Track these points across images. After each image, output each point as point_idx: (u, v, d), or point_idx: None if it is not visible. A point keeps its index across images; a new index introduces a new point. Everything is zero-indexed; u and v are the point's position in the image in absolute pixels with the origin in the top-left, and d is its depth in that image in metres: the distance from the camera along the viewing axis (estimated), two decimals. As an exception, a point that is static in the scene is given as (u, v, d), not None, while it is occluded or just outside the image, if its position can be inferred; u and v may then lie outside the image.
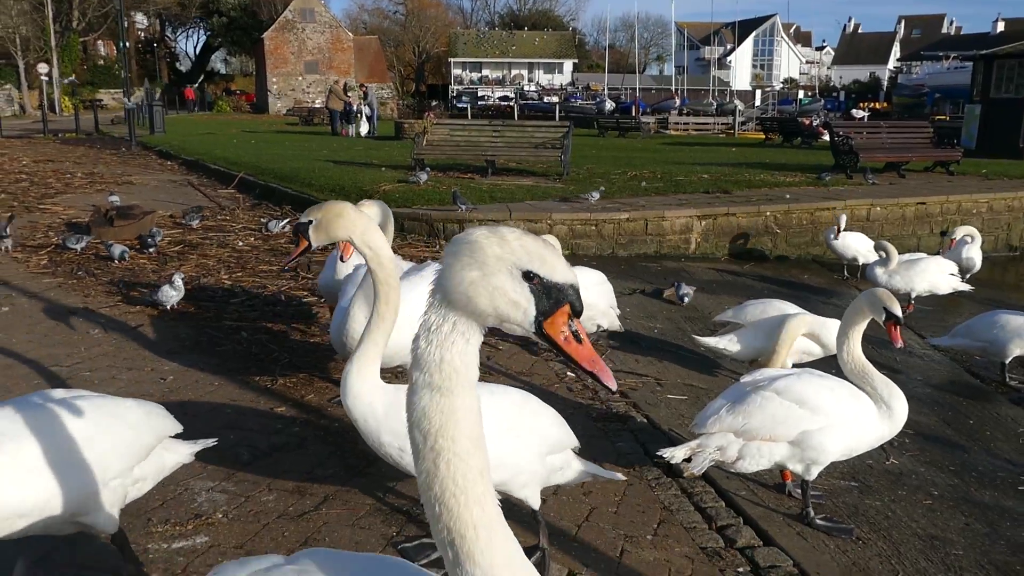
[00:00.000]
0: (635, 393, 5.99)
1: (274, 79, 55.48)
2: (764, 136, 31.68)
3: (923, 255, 10.62)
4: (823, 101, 53.95)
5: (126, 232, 10.14)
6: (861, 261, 11.71)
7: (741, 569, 3.69)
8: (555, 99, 55.93)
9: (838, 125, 18.21)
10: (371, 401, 3.08)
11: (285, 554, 3.10)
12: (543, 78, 67.91)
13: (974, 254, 11.48)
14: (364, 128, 32.01)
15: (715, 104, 53.97)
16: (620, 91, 58.85)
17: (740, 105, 50.52)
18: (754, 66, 79.69)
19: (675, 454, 4.18)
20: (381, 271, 3.16)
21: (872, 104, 59.87)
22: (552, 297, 1.37)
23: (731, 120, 47.06)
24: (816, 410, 4.12)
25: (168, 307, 6.68)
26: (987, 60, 24.73)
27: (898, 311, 4.31)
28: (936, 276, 10.16)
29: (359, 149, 23.21)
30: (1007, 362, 7.74)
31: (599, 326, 6.75)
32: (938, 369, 8.36)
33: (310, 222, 3.23)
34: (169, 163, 21.50)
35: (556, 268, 1.38)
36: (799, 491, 4.51)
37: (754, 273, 11.99)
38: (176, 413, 4.37)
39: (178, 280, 6.68)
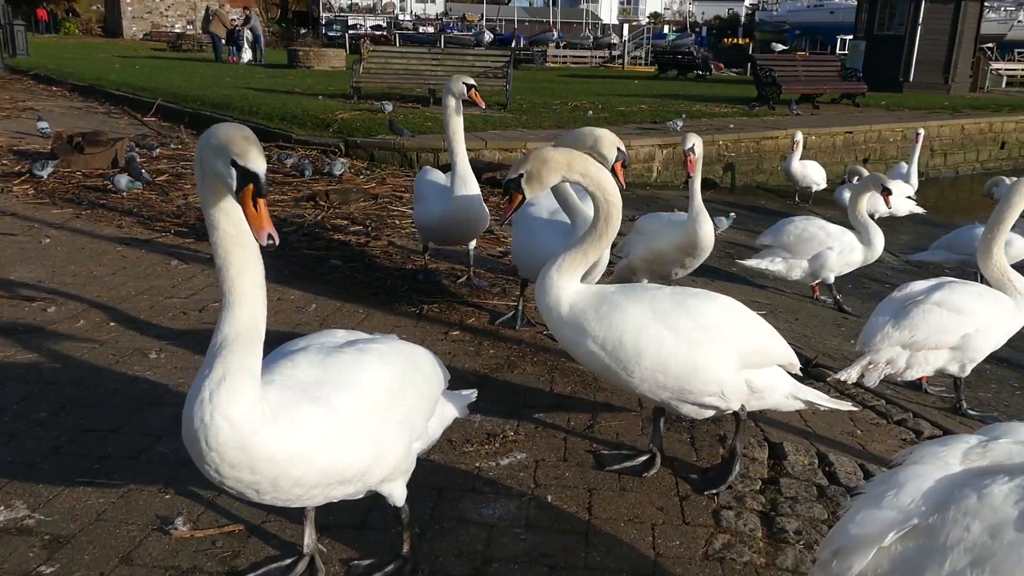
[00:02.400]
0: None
1: (129, 0, 51.24)
2: (657, 69, 32.35)
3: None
4: (693, 36, 55.55)
5: (98, 160, 9.37)
6: (815, 188, 12.50)
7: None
8: (431, 29, 54.81)
9: (760, 59, 18.94)
10: (574, 304, 2.97)
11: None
12: (415, 7, 66.11)
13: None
14: (247, 55, 30.33)
15: (591, 38, 54.54)
16: (496, 22, 58.29)
17: (617, 39, 51.29)
18: (621, 1, 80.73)
19: (850, 374, 4.50)
20: (600, 192, 3.01)
21: (734, 40, 61.71)
22: None
23: (608, 53, 47.89)
24: (973, 314, 4.50)
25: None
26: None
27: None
28: (898, 200, 10.99)
29: (262, 77, 22.10)
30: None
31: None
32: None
33: (520, 176, 3.03)
34: (55, 88, 19.70)
35: None
36: (936, 388, 4.98)
37: (718, 199, 12.51)
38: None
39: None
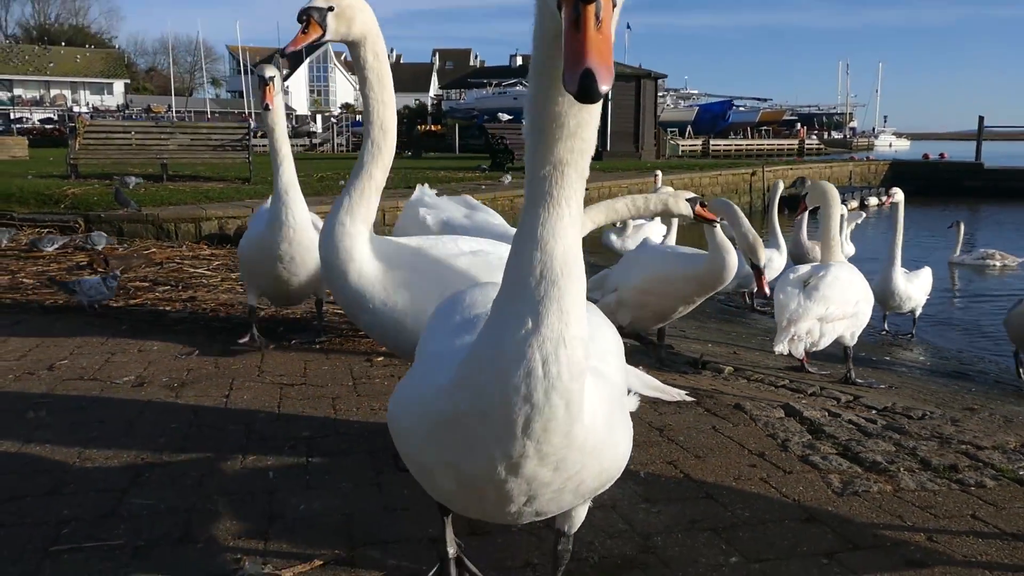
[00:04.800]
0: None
1: None
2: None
3: (645, 222, 12.39)
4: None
5: None
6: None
7: (865, 414, 4.28)
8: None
9: (491, 127, 19.94)
10: (363, 274, 2.75)
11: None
12: (91, 99, 61.03)
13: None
14: None
15: (290, 127, 54.29)
16: (184, 113, 55.73)
17: (315, 127, 51.92)
18: (311, 92, 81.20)
19: (782, 347, 4.71)
20: (380, 88, 2.82)
21: (426, 127, 64.50)
22: None
23: (308, 142, 48.13)
24: (856, 285, 4.99)
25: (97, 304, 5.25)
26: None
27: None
28: (657, 238, 11.99)
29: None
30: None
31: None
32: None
33: (329, 8, 2.72)
34: None
35: None
36: (813, 368, 5.33)
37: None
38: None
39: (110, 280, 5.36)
